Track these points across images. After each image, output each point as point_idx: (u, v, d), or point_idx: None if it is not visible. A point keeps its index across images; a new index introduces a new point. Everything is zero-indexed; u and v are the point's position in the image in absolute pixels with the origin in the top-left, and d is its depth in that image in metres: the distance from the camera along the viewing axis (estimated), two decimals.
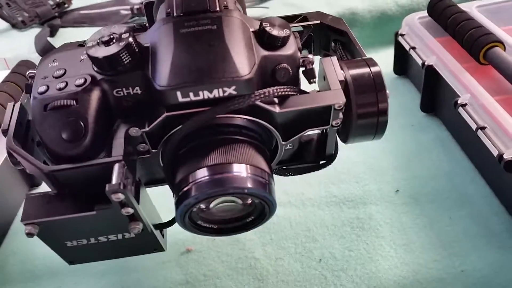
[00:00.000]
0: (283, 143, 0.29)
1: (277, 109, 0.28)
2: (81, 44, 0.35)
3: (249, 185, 0.26)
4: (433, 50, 0.54)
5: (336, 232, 0.43)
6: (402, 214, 0.44)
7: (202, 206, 0.28)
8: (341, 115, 0.29)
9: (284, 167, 0.33)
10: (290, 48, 0.28)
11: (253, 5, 0.77)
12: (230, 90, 0.26)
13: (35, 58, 0.68)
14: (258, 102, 0.27)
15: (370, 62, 0.30)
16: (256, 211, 0.30)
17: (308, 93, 0.29)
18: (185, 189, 0.26)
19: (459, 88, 0.48)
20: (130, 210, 0.26)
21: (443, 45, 0.55)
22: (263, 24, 0.28)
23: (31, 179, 0.54)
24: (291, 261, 0.41)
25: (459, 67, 0.50)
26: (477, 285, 0.37)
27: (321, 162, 0.33)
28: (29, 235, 0.27)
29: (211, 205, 0.28)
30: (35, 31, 0.82)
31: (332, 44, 0.37)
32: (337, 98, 0.28)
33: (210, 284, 0.40)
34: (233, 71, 0.26)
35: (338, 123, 0.29)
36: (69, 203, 0.27)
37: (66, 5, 0.91)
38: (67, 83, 0.27)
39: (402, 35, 0.59)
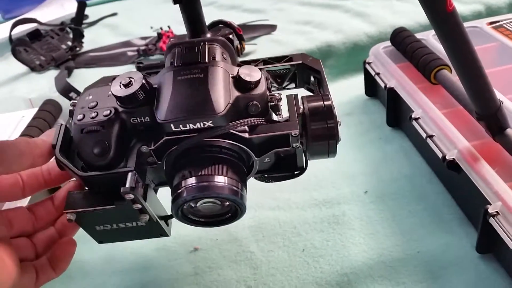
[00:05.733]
0: (257, 159, 0.38)
1: (247, 135, 0.36)
2: (115, 78, 0.45)
3: (225, 191, 0.35)
4: (393, 75, 0.64)
5: (316, 227, 0.52)
6: (369, 210, 0.53)
7: (191, 204, 0.36)
8: (298, 140, 0.36)
9: (265, 175, 0.41)
10: (260, 89, 0.36)
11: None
12: (208, 123, 0.34)
13: (56, 96, 0.78)
14: (232, 130, 0.35)
15: (325, 97, 0.38)
16: (231, 210, 0.38)
17: (275, 122, 0.36)
18: (178, 191, 0.35)
19: (413, 105, 0.58)
20: (139, 206, 0.35)
21: (402, 69, 0.65)
22: (239, 71, 0.36)
23: None
24: (280, 252, 0.50)
25: (414, 87, 0.60)
26: (429, 262, 0.46)
27: (295, 172, 0.41)
28: (69, 220, 0.36)
29: (198, 204, 0.36)
30: (51, 73, 0.93)
31: (312, 79, 0.45)
32: (293, 128, 0.36)
33: (214, 273, 0.49)
34: (210, 109, 0.34)
35: (297, 145, 0.36)
36: (97, 199, 0.36)
37: (77, 48, 1.02)
38: (97, 113, 0.36)
39: (369, 63, 0.69)
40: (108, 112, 0.36)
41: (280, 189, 0.58)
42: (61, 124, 0.37)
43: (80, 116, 0.36)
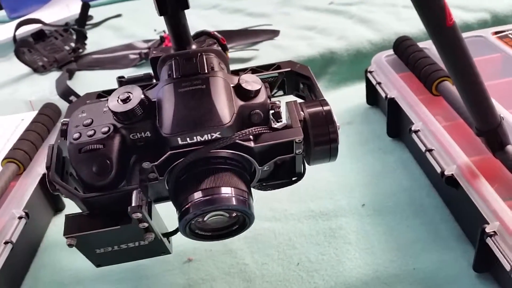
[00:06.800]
0: (259, 167, 0.38)
1: (252, 144, 0.36)
2: (100, 95, 0.45)
3: (233, 202, 0.34)
4: (395, 85, 0.63)
5: (312, 241, 0.52)
6: (366, 224, 0.52)
7: (199, 219, 0.35)
8: (301, 146, 0.37)
9: (264, 184, 0.41)
10: (261, 98, 0.36)
11: (245, 47, 0.88)
12: (216, 134, 0.34)
13: (56, 99, 0.77)
14: (237, 140, 0.35)
15: (323, 103, 0.39)
16: (239, 221, 0.38)
17: (278, 129, 0.37)
18: (186, 207, 0.34)
19: (414, 117, 0.57)
20: (145, 224, 0.34)
21: (404, 79, 0.64)
22: (240, 81, 0.36)
23: (56, 205, 0.63)
24: (274, 265, 0.50)
25: (415, 99, 0.59)
26: (424, 279, 0.46)
27: (293, 179, 0.41)
28: (70, 245, 0.34)
29: (205, 218, 0.36)
30: (54, 74, 0.92)
31: (301, 86, 0.46)
32: (297, 134, 0.36)
33: (207, 286, 0.49)
34: (217, 121, 0.34)
35: (300, 151, 0.37)
36: (99, 221, 0.34)
37: (80, 50, 1.02)
38: (95, 131, 0.35)
39: (370, 72, 0.69)
40: (106, 129, 0.35)
41: (277, 199, 0.57)
42: (53, 145, 0.36)
43: (76, 135, 0.35)
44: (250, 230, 0.54)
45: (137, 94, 0.35)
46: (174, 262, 0.52)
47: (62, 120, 0.38)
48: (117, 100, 0.34)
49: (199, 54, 0.38)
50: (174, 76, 0.37)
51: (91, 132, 0.35)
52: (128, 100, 0.34)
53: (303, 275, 0.48)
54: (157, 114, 0.35)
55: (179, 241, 0.50)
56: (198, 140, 0.34)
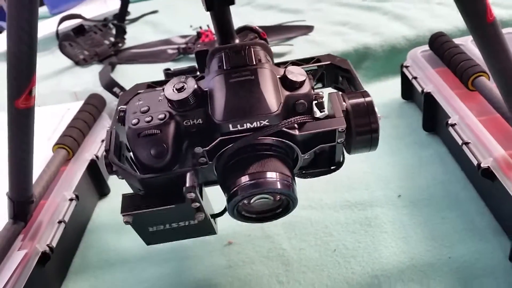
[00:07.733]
0: (302, 155, 0.40)
1: (296, 132, 0.38)
2: (149, 85, 0.47)
3: (278, 186, 0.36)
4: (431, 79, 0.64)
5: (348, 229, 0.53)
6: (402, 214, 0.54)
7: (245, 202, 0.38)
8: (343, 135, 0.39)
9: (303, 172, 0.43)
10: (305, 88, 0.38)
11: (280, 42, 0.89)
12: (264, 122, 0.36)
13: (100, 91, 0.81)
14: (283, 128, 0.37)
15: (365, 94, 0.40)
16: (283, 205, 0.40)
17: (320, 119, 0.39)
18: (234, 190, 0.36)
19: (450, 111, 0.58)
20: (197, 204, 0.37)
21: (440, 74, 0.65)
22: (286, 72, 0.38)
23: (101, 190, 0.67)
24: (311, 251, 0.52)
25: (451, 93, 0.60)
26: (460, 269, 0.47)
27: (331, 168, 0.43)
28: (126, 223, 0.37)
29: (252, 201, 0.38)
30: (95, 67, 0.96)
31: (340, 79, 0.48)
32: (340, 123, 0.38)
33: (247, 268, 0.51)
34: (266, 109, 0.36)
35: (342, 140, 0.39)
36: (154, 200, 0.37)
37: (120, 44, 1.05)
38: (152, 117, 0.37)
39: (406, 66, 0.70)
40: (163, 115, 0.37)
41: (312, 189, 0.59)
42: (111, 130, 0.39)
43: (134, 121, 0.38)
44: (287, 217, 0.56)
45: (191, 84, 0.37)
46: (215, 244, 0.54)
47: (119, 107, 0.40)
48: (173, 89, 0.37)
49: (247, 47, 0.40)
50: (225, 68, 0.39)
51: (148, 118, 0.38)
52: (182, 89, 0.37)
53: (340, 261, 0.50)
54: (209, 103, 0.38)
55: (220, 226, 0.53)
56: (248, 127, 0.37)
